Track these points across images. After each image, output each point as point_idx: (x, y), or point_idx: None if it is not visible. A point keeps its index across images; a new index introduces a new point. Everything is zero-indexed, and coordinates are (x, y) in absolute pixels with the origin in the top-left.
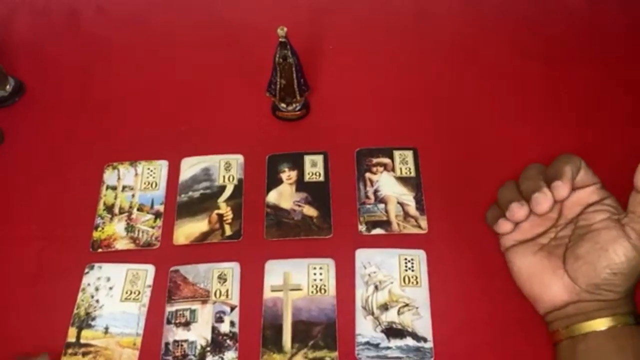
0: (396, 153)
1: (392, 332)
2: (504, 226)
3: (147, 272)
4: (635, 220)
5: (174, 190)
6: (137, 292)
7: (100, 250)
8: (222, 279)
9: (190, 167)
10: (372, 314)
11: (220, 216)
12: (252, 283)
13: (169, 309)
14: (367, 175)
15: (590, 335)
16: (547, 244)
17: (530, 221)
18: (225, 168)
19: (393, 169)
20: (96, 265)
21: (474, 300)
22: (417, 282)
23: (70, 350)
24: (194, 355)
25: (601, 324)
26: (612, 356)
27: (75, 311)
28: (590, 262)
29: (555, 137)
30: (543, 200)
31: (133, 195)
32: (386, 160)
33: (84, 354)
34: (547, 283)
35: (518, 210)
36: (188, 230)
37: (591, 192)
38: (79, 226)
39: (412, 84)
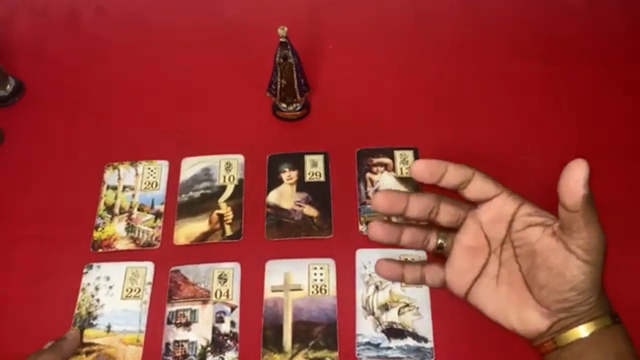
0: (397, 153)
1: (393, 332)
2: (373, 228)
3: (146, 269)
4: (576, 237)
5: (175, 190)
6: (137, 290)
7: (100, 250)
8: (222, 279)
9: (191, 167)
10: (373, 314)
11: (221, 216)
12: (252, 283)
13: (170, 309)
14: (368, 175)
15: (574, 343)
16: (498, 273)
17: (464, 257)
18: (226, 168)
19: (394, 169)
20: (95, 264)
21: None
22: None
23: (77, 349)
24: (195, 355)
25: (584, 330)
26: (594, 358)
27: (76, 311)
28: (553, 289)
29: (555, 137)
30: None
31: (133, 195)
32: (387, 160)
33: (87, 353)
34: (525, 316)
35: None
36: (188, 230)
37: (501, 205)
38: (80, 226)
39: (412, 84)
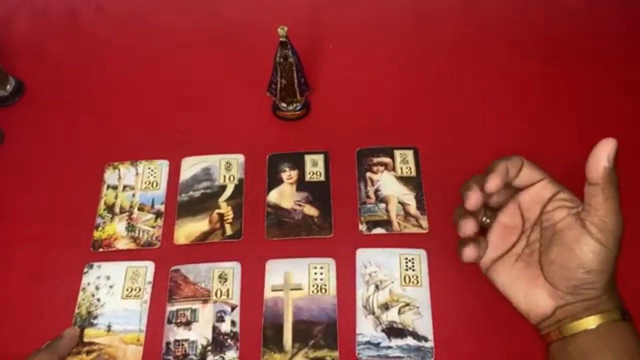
0: (397, 152)
1: (393, 331)
2: (467, 253)
3: (146, 269)
4: (593, 214)
5: (175, 190)
6: (137, 289)
7: (101, 249)
8: (222, 278)
9: (191, 166)
10: (373, 313)
11: (221, 216)
12: (252, 283)
13: (170, 308)
14: (368, 174)
15: (580, 334)
16: (521, 252)
17: (499, 234)
18: (226, 168)
19: (394, 169)
20: (95, 264)
21: (474, 299)
22: (417, 282)
23: (74, 350)
24: (195, 354)
25: (590, 323)
26: (602, 353)
27: (76, 310)
28: (562, 264)
29: (555, 137)
30: (470, 195)
31: (134, 195)
32: (387, 160)
33: (88, 353)
34: (532, 294)
35: (464, 224)
36: (189, 229)
37: (542, 188)
38: (80, 226)
39: (412, 84)
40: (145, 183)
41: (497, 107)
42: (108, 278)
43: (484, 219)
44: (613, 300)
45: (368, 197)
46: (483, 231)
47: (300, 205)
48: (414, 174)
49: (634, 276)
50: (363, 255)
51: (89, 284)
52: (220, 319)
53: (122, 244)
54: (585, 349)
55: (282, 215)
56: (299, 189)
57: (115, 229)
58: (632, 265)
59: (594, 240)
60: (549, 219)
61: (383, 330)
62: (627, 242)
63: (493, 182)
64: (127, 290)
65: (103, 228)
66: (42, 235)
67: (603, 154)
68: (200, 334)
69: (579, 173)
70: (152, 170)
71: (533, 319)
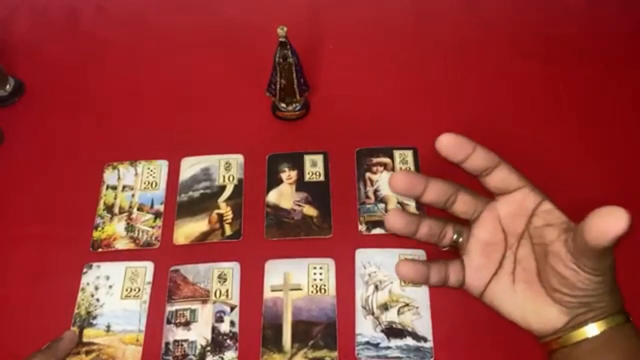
0: (396, 153)
1: (392, 331)
2: (389, 217)
3: (146, 269)
4: (583, 260)
5: (174, 190)
6: (137, 289)
7: (100, 250)
8: (222, 278)
9: (190, 166)
10: (372, 313)
11: (221, 216)
12: (252, 283)
13: (169, 308)
14: (367, 175)
15: (583, 342)
16: (514, 269)
17: (481, 253)
18: (225, 168)
19: (393, 169)
20: (94, 264)
21: (473, 300)
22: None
23: (73, 350)
24: (194, 355)
25: (595, 329)
26: (611, 356)
27: (76, 311)
28: (566, 293)
29: (555, 137)
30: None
31: (133, 195)
32: (386, 160)
33: (87, 353)
34: (543, 314)
35: (388, 217)
36: (188, 230)
37: (523, 198)
38: (79, 226)
39: (412, 84)
40: (145, 183)
41: (497, 107)
42: (107, 278)
43: (454, 235)
44: (616, 303)
45: (367, 197)
46: (457, 252)
47: (299, 205)
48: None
49: (634, 276)
50: (362, 256)
51: (88, 284)
52: (219, 319)
53: (122, 244)
54: (590, 354)
55: (281, 216)
56: (298, 189)
57: (114, 229)
58: (632, 266)
59: (589, 275)
60: (539, 236)
61: (382, 331)
62: (627, 243)
63: (446, 139)
64: (127, 290)
65: (102, 228)
66: (41, 235)
67: (615, 231)
68: (199, 334)
69: (579, 173)
70: (151, 171)
71: (542, 334)
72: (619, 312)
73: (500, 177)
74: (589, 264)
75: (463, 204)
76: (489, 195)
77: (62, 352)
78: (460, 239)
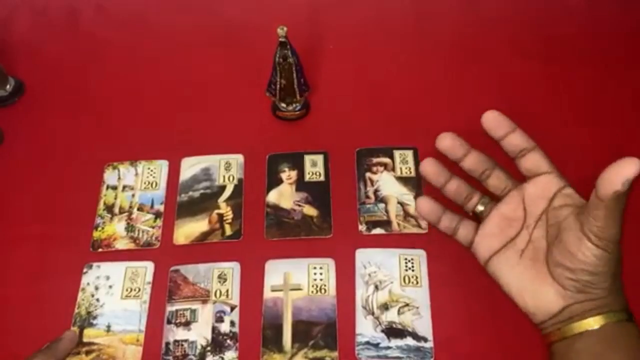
0: (396, 153)
1: (393, 332)
2: (420, 201)
3: (146, 269)
4: (592, 223)
5: (174, 190)
6: (137, 289)
7: (100, 250)
8: (222, 278)
9: (191, 166)
10: (372, 313)
11: (221, 216)
12: (252, 283)
13: (169, 308)
14: (367, 175)
15: (584, 334)
16: (525, 248)
17: (497, 224)
18: (226, 168)
19: (393, 169)
20: (94, 264)
21: (474, 300)
22: (417, 282)
23: (73, 350)
24: (194, 355)
25: (594, 323)
26: (606, 354)
27: (76, 311)
28: (567, 267)
29: (555, 137)
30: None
31: (133, 195)
32: (386, 160)
33: (87, 353)
34: (540, 294)
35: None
36: (188, 230)
37: (548, 181)
38: (79, 226)
39: (412, 84)
40: (145, 183)
41: (496, 107)
42: (107, 278)
43: (479, 206)
44: (619, 301)
45: (367, 197)
46: (478, 220)
47: (299, 205)
48: (413, 174)
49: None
50: (362, 256)
51: (88, 284)
52: (219, 319)
53: (122, 244)
54: (589, 349)
55: (281, 216)
56: (298, 189)
57: (114, 229)
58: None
59: (593, 245)
60: (556, 216)
61: (382, 331)
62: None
63: (489, 115)
64: (127, 290)
65: (102, 228)
66: (41, 235)
67: (619, 177)
68: (199, 334)
69: (579, 173)
70: (151, 171)
71: (539, 317)
72: (621, 310)
73: (533, 159)
74: (595, 228)
75: (497, 179)
76: (521, 180)
77: (63, 352)
78: (484, 208)
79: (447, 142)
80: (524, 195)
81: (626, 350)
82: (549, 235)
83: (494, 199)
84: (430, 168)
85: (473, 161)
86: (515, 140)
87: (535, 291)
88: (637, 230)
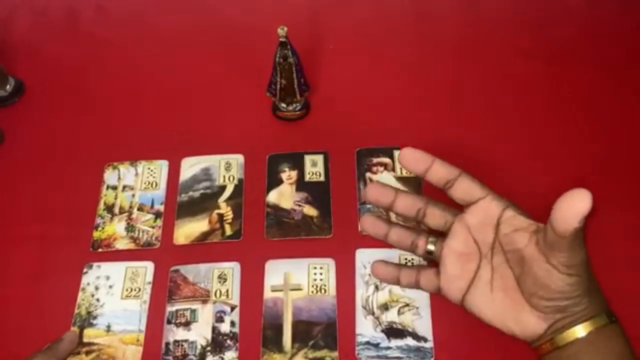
0: (396, 153)
1: (393, 332)
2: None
3: (146, 269)
4: (557, 256)
5: (174, 190)
6: (137, 290)
7: (100, 250)
8: (222, 278)
9: (191, 166)
10: (373, 313)
11: (221, 216)
12: (252, 283)
13: (170, 308)
14: (368, 175)
15: (572, 343)
16: (492, 278)
17: (456, 263)
18: (226, 168)
19: (393, 169)
20: (95, 264)
21: None
22: None
23: (73, 350)
24: (195, 355)
25: (580, 331)
26: (596, 358)
27: (76, 311)
28: (542, 296)
29: (555, 137)
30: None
31: (133, 195)
32: (386, 160)
33: (87, 353)
34: (522, 320)
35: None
36: (188, 230)
37: (486, 207)
38: (80, 226)
39: (412, 84)
40: (145, 183)
41: (497, 106)
42: (108, 278)
43: (428, 245)
44: (599, 305)
45: None
46: (434, 262)
47: (299, 205)
48: (413, 174)
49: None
50: (363, 256)
51: (88, 284)
52: (219, 319)
53: (122, 244)
54: (576, 355)
55: (281, 216)
56: (298, 189)
57: (114, 229)
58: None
59: (564, 274)
60: (510, 243)
61: (383, 331)
62: (618, 243)
63: (405, 153)
64: (127, 290)
65: (102, 228)
66: (41, 235)
67: (577, 214)
68: (199, 334)
69: (579, 173)
70: (151, 171)
71: (528, 339)
72: (601, 314)
73: (463, 188)
74: (562, 259)
75: (433, 216)
76: (459, 208)
77: (63, 353)
78: (434, 248)
79: (373, 195)
80: (469, 227)
81: (609, 353)
82: (510, 261)
83: (440, 236)
84: (367, 225)
85: (403, 205)
86: (437, 174)
87: (516, 318)
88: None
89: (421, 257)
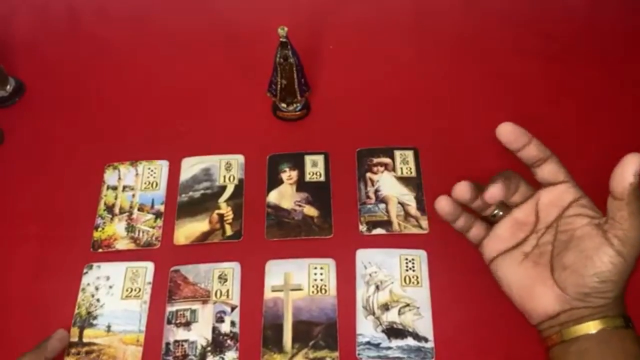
0: (397, 153)
1: (393, 332)
2: (439, 201)
3: (146, 269)
4: (617, 227)
5: (175, 190)
6: (137, 290)
7: (100, 250)
8: (222, 279)
9: (191, 167)
10: (373, 314)
11: (221, 216)
12: (252, 283)
13: (170, 309)
14: (368, 175)
15: (581, 338)
16: (530, 252)
17: (509, 228)
18: (226, 168)
19: (394, 169)
20: (95, 264)
21: (474, 300)
22: (418, 282)
23: (73, 350)
24: (195, 355)
25: (592, 327)
26: (603, 358)
27: (76, 311)
28: (577, 271)
29: (555, 137)
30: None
31: (133, 195)
32: (387, 160)
33: (87, 353)
34: (538, 295)
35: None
36: (188, 230)
37: (564, 191)
38: (80, 226)
39: (412, 84)
40: (145, 183)
41: (497, 106)
42: (108, 278)
43: (496, 211)
44: (618, 307)
45: (368, 197)
46: (492, 223)
47: (300, 205)
48: (414, 174)
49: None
50: (363, 256)
51: (88, 284)
52: (220, 319)
53: (122, 245)
54: (586, 352)
55: (282, 216)
56: (299, 190)
57: (115, 230)
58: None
59: (614, 251)
60: (569, 223)
61: (383, 331)
62: None
63: (493, 191)
64: (127, 290)
65: (103, 228)
66: (41, 235)
67: (629, 169)
68: (200, 334)
69: (579, 172)
70: (152, 171)
71: (535, 318)
72: (619, 317)
73: (549, 169)
74: (619, 232)
75: (548, 172)
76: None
77: (51, 351)
78: (500, 213)
79: (510, 134)
80: (538, 202)
81: (620, 355)
82: (557, 240)
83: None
84: (446, 208)
85: (533, 151)
86: (532, 152)
87: (534, 293)
88: None
89: (487, 215)
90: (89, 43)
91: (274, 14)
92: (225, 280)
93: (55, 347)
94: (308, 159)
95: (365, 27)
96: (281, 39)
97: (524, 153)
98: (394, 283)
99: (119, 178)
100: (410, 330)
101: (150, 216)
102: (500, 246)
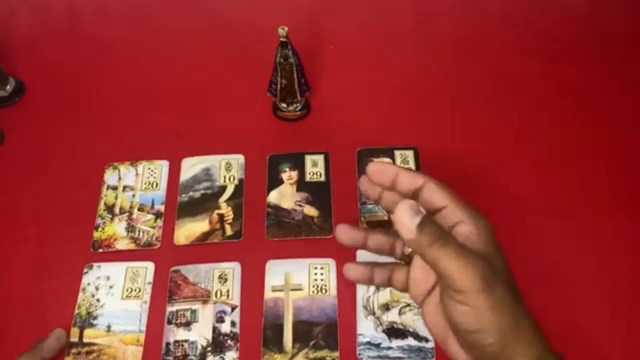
0: (397, 153)
1: (394, 332)
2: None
3: (146, 269)
4: (443, 282)
5: (175, 190)
6: (137, 290)
7: (100, 250)
8: (222, 279)
9: (191, 167)
10: (374, 314)
11: (221, 216)
12: (253, 283)
13: (170, 309)
14: None
15: None
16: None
17: (420, 266)
18: (226, 168)
19: None
20: (95, 264)
21: None
22: None
23: (73, 350)
24: (195, 355)
25: None
26: None
27: (76, 311)
28: (451, 329)
29: (555, 136)
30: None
31: (134, 195)
32: (387, 160)
33: (88, 353)
34: (451, 344)
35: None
36: (189, 230)
37: (447, 215)
38: (80, 226)
39: (412, 84)
40: (145, 183)
41: (497, 106)
42: (108, 278)
43: (404, 249)
44: (524, 352)
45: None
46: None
47: (300, 205)
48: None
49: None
50: (363, 256)
51: (88, 284)
52: (220, 319)
53: (122, 245)
54: None
55: (282, 216)
56: (299, 190)
57: (115, 230)
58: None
59: (455, 302)
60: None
61: (384, 331)
62: (616, 242)
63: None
64: (127, 290)
65: (103, 228)
66: (41, 235)
67: (404, 224)
68: (200, 334)
69: (579, 172)
70: (152, 171)
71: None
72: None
73: (430, 196)
74: (444, 282)
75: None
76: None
77: (48, 351)
78: (410, 251)
79: (344, 236)
80: None
81: None
82: None
83: None
84: (344, 236)
85: (374, 244)
86: (403, 185)
87: (450, 341)
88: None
89: (400, 259)
90: (89, 43)
91: (274, 14)
92: (226, 280)
93: (52, 347)
94: (308, 159)
95: (365, 27)
96: (281, 39)
97: (397, 187)
98: None
99: (119, 178)
100: (411, 330)
101: (150, 216)
102: (421, 289)
